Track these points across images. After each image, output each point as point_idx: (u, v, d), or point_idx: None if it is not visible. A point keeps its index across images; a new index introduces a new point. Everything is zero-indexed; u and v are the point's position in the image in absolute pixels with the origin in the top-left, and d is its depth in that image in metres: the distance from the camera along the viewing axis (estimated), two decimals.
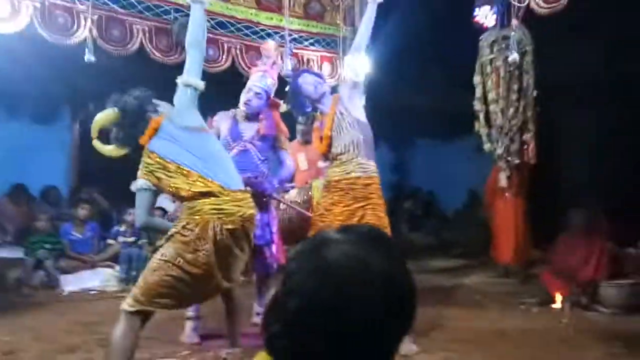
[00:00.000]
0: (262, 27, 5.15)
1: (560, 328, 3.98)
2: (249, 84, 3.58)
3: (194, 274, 2.46)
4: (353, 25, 5.53)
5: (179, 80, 2.65)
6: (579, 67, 5.36)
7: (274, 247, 3.60)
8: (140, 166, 2.61)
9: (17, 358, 3.19)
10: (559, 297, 4.53)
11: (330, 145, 3.11)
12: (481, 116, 5.31)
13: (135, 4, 4.50)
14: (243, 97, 3.52)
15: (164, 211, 5.02)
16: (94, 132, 2.66)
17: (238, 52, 5.00)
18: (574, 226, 4.83)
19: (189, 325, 3.47)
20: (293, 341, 0.76)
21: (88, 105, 7.50)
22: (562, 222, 4.91)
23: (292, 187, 4.14)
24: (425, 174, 8.98)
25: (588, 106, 5.65)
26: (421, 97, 6.73)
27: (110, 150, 2.66)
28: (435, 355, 3.29)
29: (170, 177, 2.53)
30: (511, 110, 5.16)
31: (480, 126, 5.33)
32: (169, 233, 2.54)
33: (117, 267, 5.27)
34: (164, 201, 5.15)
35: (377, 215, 2.98)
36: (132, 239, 5.43)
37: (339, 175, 3.06)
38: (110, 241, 5.52)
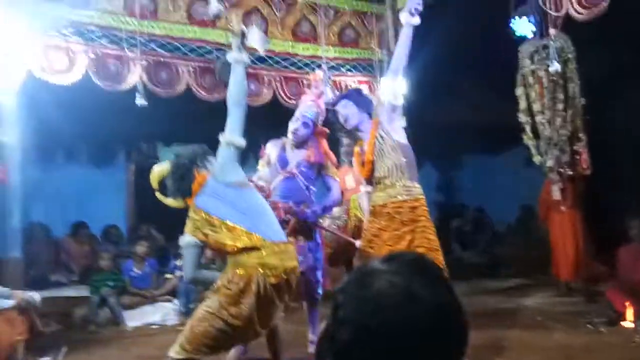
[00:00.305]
0: (299, 58, 5.29)
1: (632, 348, 3.75)
2: (297, 113, 3.67)
3: (236, 326, 2.56)
4: (388, 49, 5.59)
5: (222, 138, 2.75)
6: (632, 71, 5.16)
7: (318, 273, 3.63)
8: (187, 222, 2.71)
9: None
10: (629, 314, 4.28)
11: (372, 170, 3.11)
12: (527, 128, 5.18)
13: (180, 47, 4.74)
14: (291, 126, 3.62)
15: None
16: (154, 184, 2.83)
17: (278, 84, 5.14)
18: (636, 236, 4.59)
19: (233, 351, 3.54)
20: None
21: (141, 146, 7.90)
22: (622, 232, 4.68)
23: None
24: (473, 190, 8.78)
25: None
26: (464, 112, 6.64)
27: (170, 202, 2.81)
28: None
29: (216, 232, 2.62)
30: (558, 120, 5.01)
31: (527, 138, 5.20)
32: (215, 285, 2.64)
33: (176, 301, 5.41)
34: None
35: (426, 238, 2.94)
36: None
37: (384, 199, 3.03)
38: (168, 275, 5.69)
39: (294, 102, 4.47)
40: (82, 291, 5.50)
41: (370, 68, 5.62)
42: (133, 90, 4.50)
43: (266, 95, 5.17)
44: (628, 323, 4.24)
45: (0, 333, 3.56)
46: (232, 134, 2.74)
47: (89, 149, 7.25)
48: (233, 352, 3.53)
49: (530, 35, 5.04)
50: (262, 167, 3.81)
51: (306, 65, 5.34)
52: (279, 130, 3.79)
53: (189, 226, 2.70)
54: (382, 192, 3.05)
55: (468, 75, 5.73)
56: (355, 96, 3.28)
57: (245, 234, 2.60)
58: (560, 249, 5.34)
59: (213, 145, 2.84)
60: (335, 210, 4.00)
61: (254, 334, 2.72)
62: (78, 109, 5.26)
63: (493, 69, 5.59)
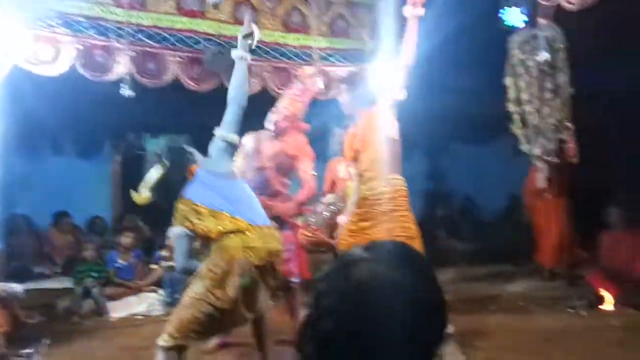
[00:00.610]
0: (289, 49, 5.25)
1: (612, 330, 3.83)
2: (278, 105, 3.66)
3: (223, 309, 2.61)
4: (379, 39, 5.57)
5: (217, 132, 2.81)
6: (619, 61, 5.21)
7: (291, 264, 3.62)
8: (175, 214, 2.73)
9: None
10: (608, 298, 4.37)
11: (356, 159, 3.16)
12: (516, 117, 5.22)
13: (169, 37, 4.66)
14: (271, 117, 3.60)
15: None
16: (145, 190, 2.87)
17: (268, 74, 5.10)
18: (615, 223, 4.68)
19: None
20: None
21: (127, 136, 7.82)
22: (603, 219, 4.76)
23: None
24: (461, 178, 8.84)
25: (631, 100, 5.47)
26: (452, 101, 6.66)
27: (144, 199, 2.87)
28: None
29: (201, 220, 2.67)
30: (546, 109, 5.05)
31: (516, 127, 5.24)
32: (199, 270, 2.66)
33: (161, 292, 5.38)
34: None
35: (404, 227, 2.99)
36: (174, 263, 5.55)
37: (364, 191, 3.12)
38: (153, 266, 5.65)
39: (287, 92, 4.44)
40: (65, 283, 5.46)
41: (361, 58, 5.61)
42: (120, 81, 4.43)
43: (255, 86, 5.14)
44: (608, 306, 4.33)
45: None
46: (227, 131, 2.80)
47: (74, 139, 7.14)
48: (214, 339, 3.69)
49: (520, 25, 5.06)
50: (238, 158, 3.80)
51: (296, 55, 5.30)
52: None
53: (176, 218, 2.72)
54: (364, 184, 3.13)
55: (458, 65, 5.74)
56: (352, 82, 3.25)
57: (229, 219, 2.65)
58: (545, 236, 5.43)
59: (199, 136, 2.86)
60: (330, 197, 3.99)
61: (241, 319, 2.75)
62: (64, 100, 5.17)
63: (482, 59, 5.61)
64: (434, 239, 7.58)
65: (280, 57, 5.19)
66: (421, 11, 3.01)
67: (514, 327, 4.03)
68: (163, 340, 2.58)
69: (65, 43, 4.21)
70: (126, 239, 5.61)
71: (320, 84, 5.12)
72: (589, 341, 3.63)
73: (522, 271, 6.15)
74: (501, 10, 5.10)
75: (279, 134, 3.59)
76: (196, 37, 4.75)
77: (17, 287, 3.98)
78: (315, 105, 4.02)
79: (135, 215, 6.63)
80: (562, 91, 4.99)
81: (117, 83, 4.42)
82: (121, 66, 4.41)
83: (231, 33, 4.98)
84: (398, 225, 2.97)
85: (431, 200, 8.49)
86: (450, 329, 3.06)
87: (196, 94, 4.82)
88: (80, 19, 4.25)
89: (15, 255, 5.79)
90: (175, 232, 2.71)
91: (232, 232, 2.64)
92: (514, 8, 5.05)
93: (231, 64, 2.99)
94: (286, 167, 3.63)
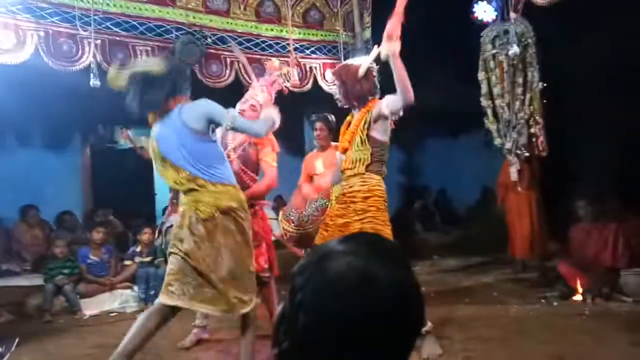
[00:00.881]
0: (262, 39, 5.20)
1: (583, 320, 3.94)
2: (246, 95, 3.66)
3: (187, 263, 2.67)
4: (353, 31, 5.56)
5: (231, 114, 2.77)
6: (587, 57, 5.32)
7: (261, 259, 3.60)
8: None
9: None
10: (579, 289, 4.49)
11: (344, 153, 3.21)
12: (489, 112, 5.29)
13: (137, 25, 4.56)
14: (238, 107, 3.58)
15: None
16: (133, 73, 2.72)
17: (241, 65, 5.04)
18: (585, 215, 4.81)
19: (193, 332, 3.80)
20: (303, 357, 0.77)
21: (97, 129, 7.62)
22: (574, 212, 4.89)
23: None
24: (435, 172, 8.96)
25: (598, 95, 5.60)
26: (427, 95, 6.70)
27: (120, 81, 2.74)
28: (457, 356, 3.26)
29: (164, 167, 2.75)
30: (517, 103, 5.14)
31: (489, 122, 5.32)
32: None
33: (136, 288, 5.30)
34: None
35: (374, 228, 3.02)
36: (148, 259, 5.46)
37: (343, 188, 3.20)
38: (127, 262, 5.55)
39: (255, 84, 4.41)
40: (35, 280, 5.31)
41: (335, 50, 5.59)
42: (88, 70, 4.32)
43: (228, 77, 5.07)
44: (578, 296, 4.46)
45: None
46: (240, 124, 2.83)
47: (42, 132, 6.92)
48: (192, 334, 3.77)
49: (492, 20, 5.12)
50: None
51: (270, 46, 5.26)
52: None
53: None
54: (345, 181, 3.20)
55: (431, 59, 5.78)
56: (342, 77, 3.20)
57: (188, 177, 2.69)
58: (517, 229, 5.53)
59: None
60: (317, 200, 3.96)
61: (215, 287, 2.69)
62: (30, 90, 5.02)
63: (455, 54, 5.65)
64: (410, 232, 7.67)
65: (254, 48, 5.14)
66: (398, 46, 2.85)
67: (489, 318, 4.11)
68: (163, 299, 2.67)
69: (28, 30, 4.07)
70: (97, 234, 5.50)
71: (294, 75, 5.07)
72: (561, 330, 3.72)
73: (495, 263, 6.28)
74: (474, 5, 5.16)
75: None
76: (166, 26, 4.67)
77: None
78: (291, 97, 4.00)
79: (107, 209, 6.50)
80: (532, 86, 5.09)
81: (86, 73, 4.32)
82: (88, 55, 4.31)
83: (202, 22, 4.90)
84: (368, 226, 3.01)
85: (406, 193, 8.57)
86: (427, 325, 3.13)
87: None
88: (44, 4, 4.12)
89: None
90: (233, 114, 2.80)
91: (189, 190, 2.71)
92: (485, 3, 5.11)
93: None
94: (252, 160, 3.61)
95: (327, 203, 3.73)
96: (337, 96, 3.26)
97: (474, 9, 5.15)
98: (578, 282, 4.52)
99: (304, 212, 3.77)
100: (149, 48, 4.62)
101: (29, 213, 6.20)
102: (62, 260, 5.24)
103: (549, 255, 5.63)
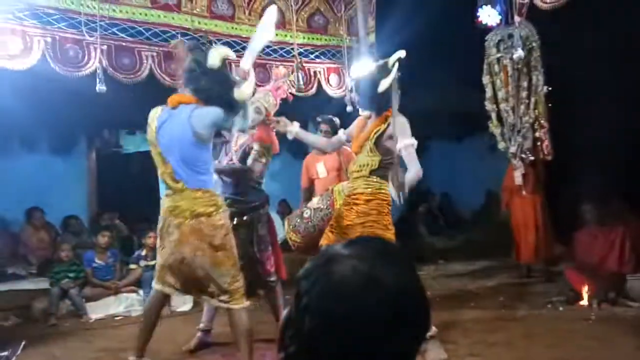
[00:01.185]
0: (267, 44, 5.21)
1: (589, 325, 3.92)
2: (252, 98, 3.69)
3: (167, 260, 2.95)
4: (356, 35, 5.58)
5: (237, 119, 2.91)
6: (592, 61, 5.31)
7: (267, 263, 3.69)
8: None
9: None
10: (585, 294, 4.46)
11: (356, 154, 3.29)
12: (493, 115, 5.29)
13: (143, 31, 4.58)
14: None
15: None
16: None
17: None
18: (590, 220, 4.78)
19: (197, 335, 3.84)
20: None
21: (103, 133, 7.66)
22: (579, 216, 4.86)
23: None
24: (439, 176, 8.93)
25: (603, 99, 5.58)
26: (430, 98, 6.71)
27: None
28: None
29: (156, 155, 2.91)
30: (522, 107, 5.13)
31: (493, 126, 5.31)
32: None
33: (141, 292, 5.31)
34: None
35: (374, 233, 3.05)
36: (153, 263, 5.46)
37: (349, 190, 3.25)
38: (132, 266, 5.57)
39: (262, 88, 4.44)
40: (41, 284, 5.33)
41: (339, 55, 5.61)
42: (94, 75, 4.34)
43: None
44: (584, 301, 4.43)
45: None
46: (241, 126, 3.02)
47: (48, 136, 6.95)
48: (196, 338, 3.82)
49: (496, 24, 5.12)
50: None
51: (274, 51, 5.27)
52: None
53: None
54: (351, 183, 3.26)
55: (435, 63, 5.79)
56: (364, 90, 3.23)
57: (171, 178, 2.86)
58: (522, 233, 5.51)
59: None
60: (315, 201, 3.97)
61: (196, 284, 2.99)
62: (36, 95, 5.04)
63: (460, 58, 5.66)
64: (414, 236, 7.65)
65: (259, 53, 5.16)
66: (413, 140, 3.01)
67: (494, 322, 4.09)
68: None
69: (35, 36, 4.10)
70: (103, 238, 5.51)
71: (300, 80, 5.10)
72: (567, 335, 3.70)
73: (500, 267, 6.25)
74: (478, 9, 5.16)
75: (251, 125, 3.62)
76: (171, 31, 4.69)
77: None
78: (296, 101, 4.03)
79: (112, 213, 6.52)
80: (536, 90, 5.08)
81: (92, 78, 4.34)
82: (94, 60, 4.33)
83: (207, 27, 4.92)
84: (368, 231, 3.03)
85: (411, 197, 8.52)
86: (432, 330, 3.12)
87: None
88: (51, 10, 4.15)
89: None
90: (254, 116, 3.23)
91: (168, 193, 2.90)
92: (490, 7, 5.11)
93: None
94: (243, 155, 3.68)
95: (332, 213, 3.75)
96: (354, 99, 3.31)
97: (478, 13, 5.15)
98: (584, 287, 4.49)
99: (309, 223, 3.78)
100: (154, 53, 4.64)
101: (35, 215, 6.24)
102: (68, 264, 5.26)
103: (554, 259, 5.61)
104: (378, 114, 3.18)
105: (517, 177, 5.32)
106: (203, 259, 2.87)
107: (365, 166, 3.14)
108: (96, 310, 5.07)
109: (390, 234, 3.07)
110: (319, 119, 4.55)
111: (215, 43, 5.07)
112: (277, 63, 5.17)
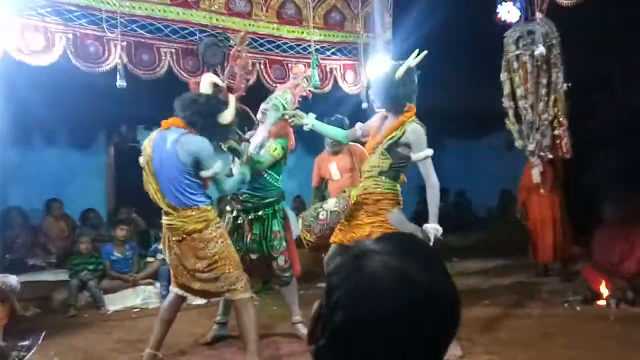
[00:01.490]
0: (284, 41, 5.22)
1: (608, 325, 3.87)
2: (271, 95, 3.71)
3: (175, 269, 3.27)
4: (373, 32, 5.55)
5: (216, 165, 3.09)
6: (613, 57, 5.23)
7: (280, 259, 3.73)
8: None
9: None
10: (603, 293, 4.41)
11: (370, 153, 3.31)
12: (511, 113, 5.23)
13: (162, 28, 4.63)
14: (262, 106, 3.65)
15: None
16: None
17: (262, 67, 5.08)
18: (609, 219, 4.72)
19: (213, 327, 3.93)
20: (339, 355, 0.77)
21: (121, 128, 7.74)
22: (598, 215, 4.80)
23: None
24: (455, 174, 8.86)
25: (622, 97, 5.50)
26: (447, 96, 6.66)
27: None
28: (479, 358, 3.24)
29: (147, 176, 3.12)
30: (541, 105, 5.07)
31: (510, 123, 5.26)
32: None
33: (157, 284, 5.38)
34: None
35: (383, 233, 3.00)
36: None
37: (360, 189, 3.27)
38: (149, 259, 5.64)
39: (278, 85, 4.46)
40: (60, 275, 5.43)
41: (355, 52, 5.59)
42: (114, 71, 4.40)
43: (251, 78, 5.11)
44: (602, 301, 4.38)
45: None
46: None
47: (67, 131, 7.05)
48: (212, 330, 3.91)
49: (515, 21, 5.07)
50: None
51: (291, 48, 5.28)
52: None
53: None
54: (362, 183, 3.30)
55: (452, 60, 5.74)
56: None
57: (161, 199, 3.07)
58: (539, 232, 5.45)
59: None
60: (332, 203, 3.97)
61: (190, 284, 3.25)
62: (57, 91, 5.11)
63: (477, 55, 5.60)
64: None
65: (275, 50, 5.17)
66: (429, 152, 3.12)
67: (510, 321, 4.07)
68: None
69: (56, 32, 4.17)
70: (121, 231, 5.59)
71: (317, 76, 5.10)
72: (585, 335, 3.67)
73: (516, 266, 6.20)
74: (498, 5, 5.10)
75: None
76: (190, 28, 4.72)
77: (13, 279, 3.95)
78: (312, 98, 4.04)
79: (130, 207, 6.60)
80: (556, 87, 5.01)
81: (111, 74, 4.39)
82: (114, 56, 4.38)
83: (225, 24, 4.95)
84: (378, 230, 3.03)
85: (425, 195, 8.48)
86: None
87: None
88: (72, 7, 4.21)
89: (9, 247, 5.75)
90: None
91: (163, 211, 3.13)
92: (509, 3, 5.05)
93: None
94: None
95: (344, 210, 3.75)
96: (371, 97, 3.30)
97: (497, 10, 5.10)
98: (602, 287, 4.44)
99: (325, 225, 3.79)
100: (173, 50, 4.69)
101: (54, 206, 6.36)
102: (87, 256, 5.35)
103: (572, 258, 5.54)
104: (395, 113, 3.17)
105: (536, 175, 5.25)
106: (203, 272, 3.15)
107: (375, 167, 3.18)
108: (114, 302, 5.15)
109: None
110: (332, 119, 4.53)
111: (233, 39, 5.11)
112: (293, 60, 5.19)
